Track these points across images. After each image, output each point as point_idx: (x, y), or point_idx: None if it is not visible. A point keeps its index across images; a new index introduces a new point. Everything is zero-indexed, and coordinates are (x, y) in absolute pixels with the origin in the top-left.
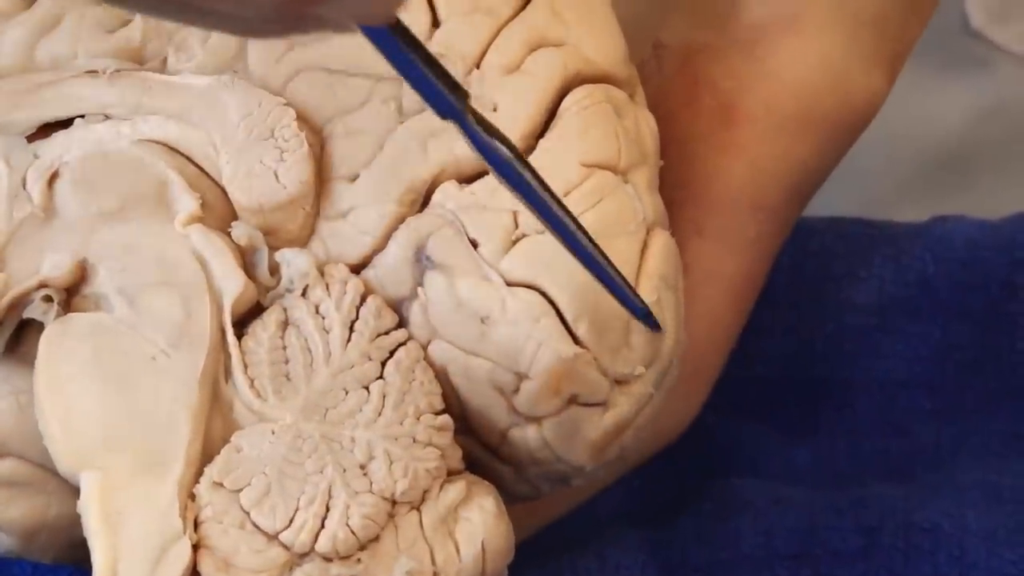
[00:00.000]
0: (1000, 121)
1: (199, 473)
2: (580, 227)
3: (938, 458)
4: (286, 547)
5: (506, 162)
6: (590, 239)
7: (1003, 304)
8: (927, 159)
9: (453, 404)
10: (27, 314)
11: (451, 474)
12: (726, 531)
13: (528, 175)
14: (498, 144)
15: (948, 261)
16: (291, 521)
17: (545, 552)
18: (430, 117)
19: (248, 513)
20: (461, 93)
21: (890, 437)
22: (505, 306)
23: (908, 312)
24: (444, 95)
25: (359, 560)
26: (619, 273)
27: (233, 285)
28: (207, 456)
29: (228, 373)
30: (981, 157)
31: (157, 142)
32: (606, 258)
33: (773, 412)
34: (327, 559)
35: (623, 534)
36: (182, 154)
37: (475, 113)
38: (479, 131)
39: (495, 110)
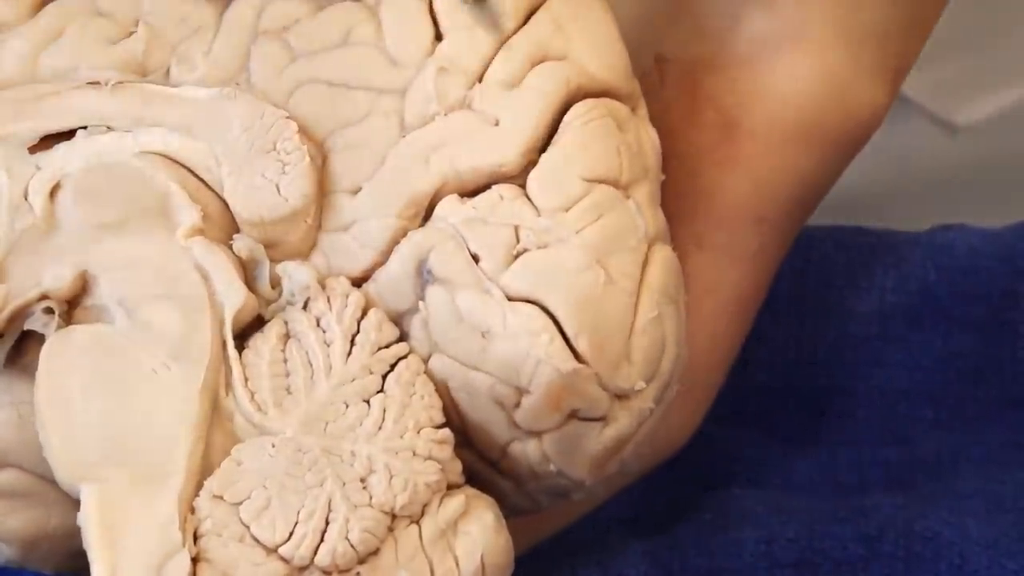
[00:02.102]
0: (904, 173)
1: (199, 486)
2: None
3: (939, 467)
4: (285, 560)
5: None
6: None
7: (1005, 313)
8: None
9: (453, 418)
10: (28, 326)
11: (451, 488)
12: (727, 540)
13: None
14: None
15: (949, 270)
16: (291, 534)
17: (547, 562)
18: (431, 132)
19: (248, 526)
20: None
21: (891, 446)
22: (505, 320)
23: (909, 321)
24: None
25: (358, 574)
26: None
27: (234, 298)
28: (207, 469)
29: (229, 386)
30: (881, 209)
31: (159, 154)
32: None
33: (774, 421)
34: (326, 573)
35: (624, 543)
36: (184, 166)
37: None
38: None
39: (496, 124)
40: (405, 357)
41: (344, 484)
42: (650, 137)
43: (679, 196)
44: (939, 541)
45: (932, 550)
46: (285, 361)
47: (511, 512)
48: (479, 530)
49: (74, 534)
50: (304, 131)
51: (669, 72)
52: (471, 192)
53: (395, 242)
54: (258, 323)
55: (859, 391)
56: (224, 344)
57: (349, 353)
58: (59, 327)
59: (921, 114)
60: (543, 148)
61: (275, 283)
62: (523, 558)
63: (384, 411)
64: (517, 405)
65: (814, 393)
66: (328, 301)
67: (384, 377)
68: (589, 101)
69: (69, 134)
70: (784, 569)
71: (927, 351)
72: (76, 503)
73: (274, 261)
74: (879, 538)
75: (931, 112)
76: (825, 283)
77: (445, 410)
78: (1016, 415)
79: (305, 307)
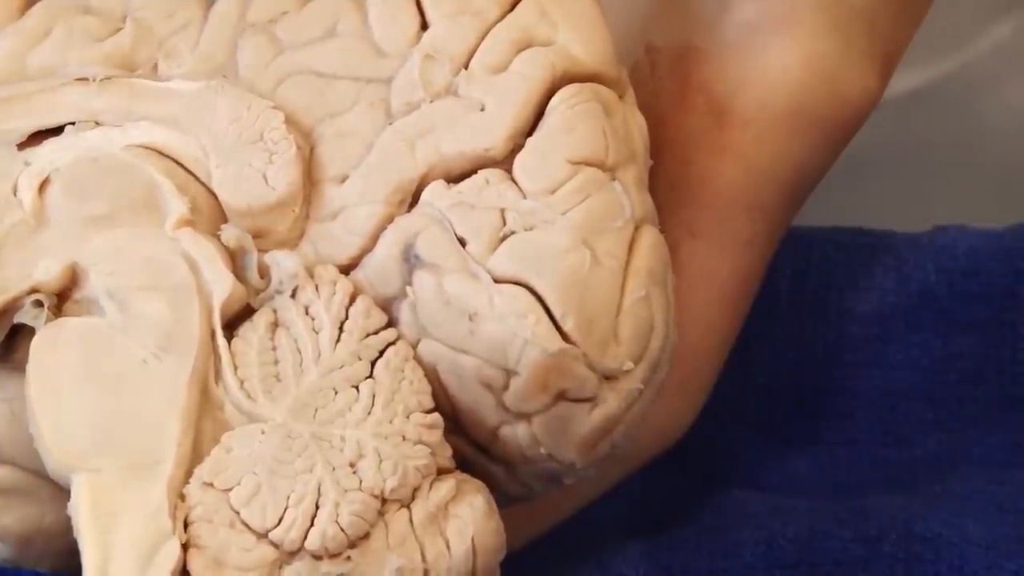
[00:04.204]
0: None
1: (189, 473)
2: None
3: (939, 468)
4: (275, 545)
5: None
6: None
7: (1005, 314)
8: None
9: (443, 402)
10: (18, 319)
11: (441, 472)
12: (727, 541)
13: None
14: None
15: (950, 271)
16: (281, 519)
17: (545, 561)
18: (417, 119)
19: (238, 512)
20: None
21: (891, 447)
22: (492, 303)
23: (909, 322)
24: None
25: (349, 558)
26: None
27: (222, 287)
28: (197, 457)
29: (218, 374)
30: None
31: (147, 147)
32: None
33: (774, 421)
34: (317, 557)
35: (624, 544)
36: (172, 158)
37: None
38: None
39: (483, 110)
40: (394, 343)
41: (334, 469)
42: (638, 122)
43: (671, 184)
44: (939, 542)
45: (932, 551)
46: (274, 349)
47: (505, 500)
48: (470, 513)
49: (69, 531)
50: (291, 121)
51: (659, 60)
52: (457, 177)
53: (382, 228)
54: (247, 312)
55: (859, 391)
56: (213, 333)
57: (337, 340)
58: (49, 320)
59: None
60: (529, 133)
61: (263, 272)
62: (523, 557)
63: (373, 396)
64: (505, 387)
65: (814, 394)
66: (316, 289)
67: (373, 363)
68: (575, 85)
69: (58, 130)
70: (784, 569)
71: (927, 352)
72: (69, 497)
73: (262, 251)
74: (879, 539)
75: None
76: (825, 284)
77: (434, 395)
78: (1016, 415)
79: (293, 295)
